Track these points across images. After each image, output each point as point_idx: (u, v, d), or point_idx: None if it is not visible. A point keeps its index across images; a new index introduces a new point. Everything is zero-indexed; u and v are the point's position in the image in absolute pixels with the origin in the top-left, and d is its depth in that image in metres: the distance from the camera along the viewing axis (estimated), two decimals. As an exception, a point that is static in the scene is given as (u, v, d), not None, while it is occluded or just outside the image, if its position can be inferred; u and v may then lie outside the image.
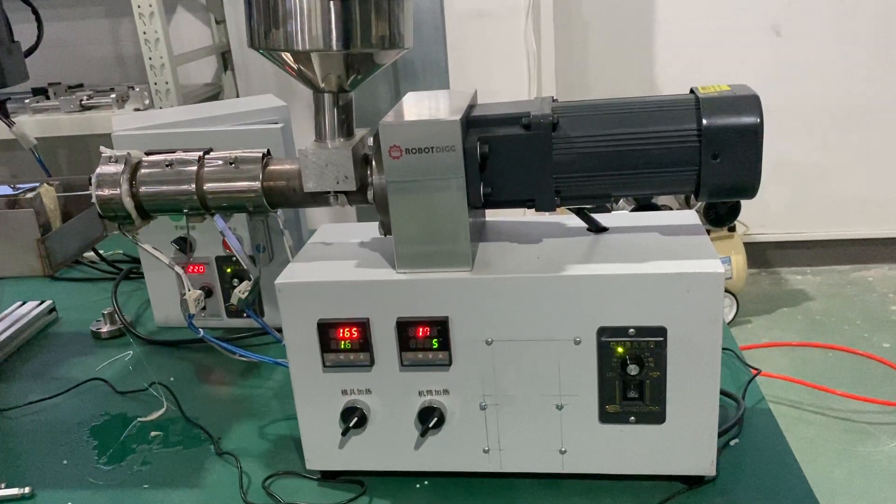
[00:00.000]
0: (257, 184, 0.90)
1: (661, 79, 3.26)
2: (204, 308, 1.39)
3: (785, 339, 2.92)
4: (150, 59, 2.62)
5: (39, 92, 2.86)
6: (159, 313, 1.41)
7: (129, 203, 0.92)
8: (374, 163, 0.86)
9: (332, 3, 0.80)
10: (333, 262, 0.91)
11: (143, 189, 0.92)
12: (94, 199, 0.92)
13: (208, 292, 1.37)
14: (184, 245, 1.32)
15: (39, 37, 1.27)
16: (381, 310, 0.86)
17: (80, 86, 3.11)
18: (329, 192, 0.88)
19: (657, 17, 3.20)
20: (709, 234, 3.03)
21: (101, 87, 3.04)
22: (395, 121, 0.81)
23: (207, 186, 0.91)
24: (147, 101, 2.74)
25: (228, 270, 1.34)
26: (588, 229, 0.93)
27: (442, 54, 3.00)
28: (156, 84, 2.66)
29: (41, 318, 1.44)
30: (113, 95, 2.76)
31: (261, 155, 0.92)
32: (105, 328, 1.39)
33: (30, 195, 0.94)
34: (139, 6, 2.56)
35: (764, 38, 3.18)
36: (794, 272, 3.51)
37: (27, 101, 2.78)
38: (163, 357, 1.30)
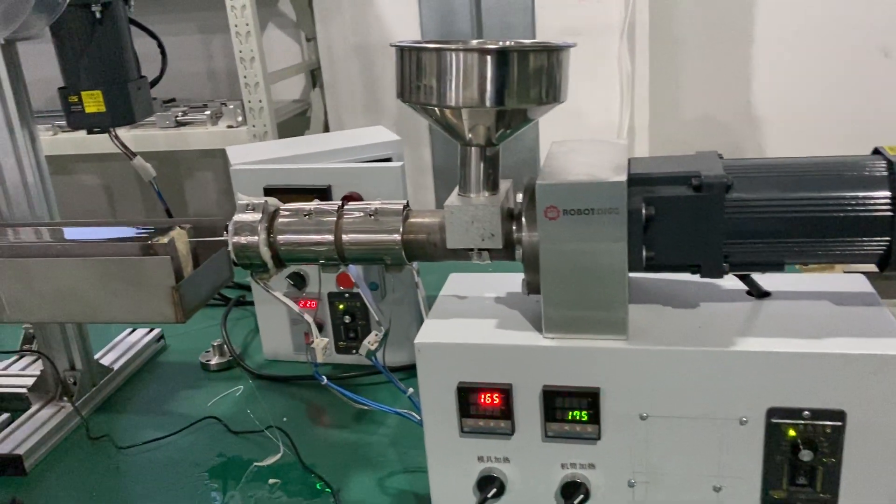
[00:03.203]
0: (397, 237, 0.87)
1: (758, 99, 3.13)
2: (311, 343, 1.37)
3: None
4: (245, 77, 2.65)
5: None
6: (269, 346, 1.39)
7: (265, 252, 0.89)
8: (523, 219, 0.82)
9: (488, 57, 0.76)
10: (472, 320, 0.87)
11: (280, 238, 0.90)
12: (230, 247, 0.91)
13: (319, 327, 1.34)
14: (298, 280, 1.30)
15: (163, 69, 1.28)
16: (525, 376, 0.81)
17: (173, 100, 3.17)
18: (472, 248, 0.84)
19: (756, 36, 3.07)
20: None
21: (195, 102, 3.09)
22: (552, 180, 0.76)
23: (346, 238, 0.88)
24: (240, 119, 2.77)
25: (341, 307, 1.31)
26: (748, 293, 0.86)
27: (531, 73, 2.95)
28: (249, 102, 2.69)
29: (150, 346, 1.45)
30: (207, 112, 2.80)
31: (401, 207, 0.88)
32: (214, 360, 1.39)
33: (164, 240, 0.92)
34: (236, 25, 2.59)
35: (871, 60, 3.01)
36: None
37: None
38: (273, 393, 1.29)
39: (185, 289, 0.91)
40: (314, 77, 3.26)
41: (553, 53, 0.78)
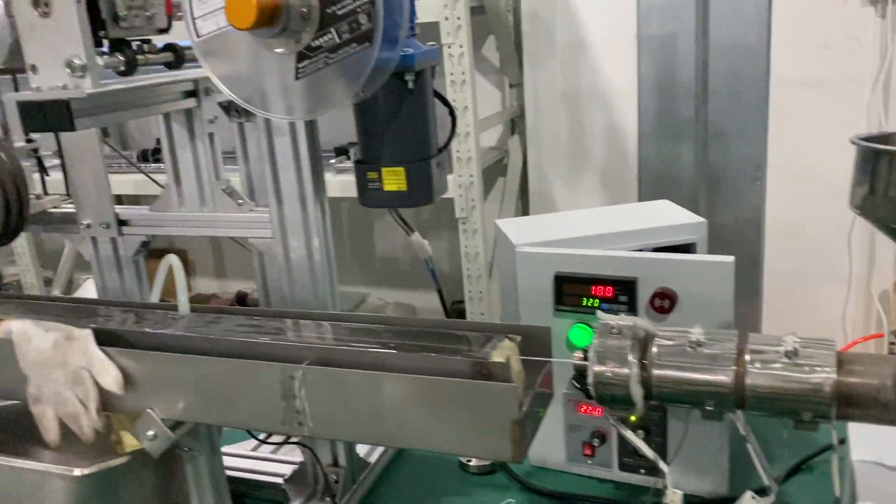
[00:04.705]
0: (828, 388, 0.66)
1: None
2: (592, 456, 1.19)
3: None
4: (457, 127, 2.55)
5: (341, 152, 2.91)
6: (537, 451, 1.22)
7: (637, 390, 0.72)
8: None
9: None
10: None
11: (656, 373, 0.72)
12: (590, 378, 0.74)
13: (601, 438, 1.16)
14: (583, 382, 1.12)
15: (451, 137, 1.15)
16: None
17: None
18: (949, 418, 0.62)
19: None
20: None
21: (395, 148, 3.04)
22: None
23: (752, 382, 0.69)
24: (446, 167, 2.67)
25: (633, 418, 1.12)
26: None
27: (761, 124, 2.67)
28: (458, 152, 2.59)
29: (400, 433, 1.31)
30: (413, 160, 2.73)
31: (832, 346, 0.68)
32: (475, 461, 1.23)
33: (499, 358, 0.77)
34: (451, 73, 2.50)
35: None
36: None
37: (332, 161, 2.83)
38: (550, 514, 1.11)
39: (527, 421, 0.75)
40: (513, 124, 3.13)
41: None
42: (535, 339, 0.85)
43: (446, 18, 2.41)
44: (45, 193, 1.18)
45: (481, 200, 2.61)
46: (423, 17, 0.98)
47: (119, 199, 1.09)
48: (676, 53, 2.69)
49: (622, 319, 0.74)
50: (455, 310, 2.76)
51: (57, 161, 1.17)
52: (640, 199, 2.87)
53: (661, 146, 2.77)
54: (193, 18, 0.87)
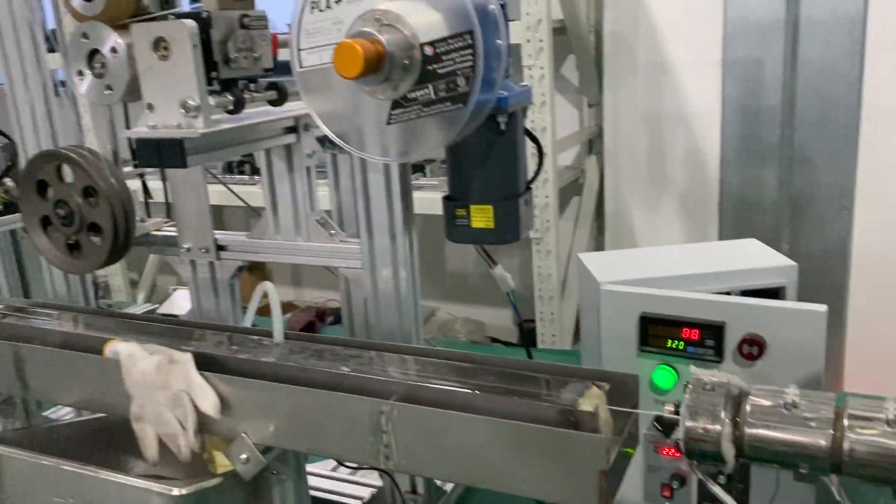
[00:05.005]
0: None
1: None
2: (670, 498, 1.18)
3: None
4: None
5: (417, 169, 2.95)
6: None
7: (728, 449, 0.71)
8: None
9: None
10: None
11: (749, 431, 0.71)
12: (681, 434, 0.74)
13: (681, 480, 1.15)
14: (667, 429, 1.11)
15: (537, 172, 1.16)
16: None
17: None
18: None
19: None
20: None
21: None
22: None
23: (850, 447, 0.67)
24: (522, 188, 2.68)
25: (714, 464, 1.10)
26: None
27: (850, 151, 2.58)
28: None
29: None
30: (489, 180, 2.74)
31: (939, 417, 0.66)
32: (550, 495, 1.23)
33: (587, 407, 0.77)
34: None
35: None
36: None
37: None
38: (628, 557, 1.10)
39: (614, 473, 0.75)
40: (590, 144, 3.12)
41: None
42: (622, 386, 0.85)
43: (528, 41, 2.42)
44: (149, 216, 1.25)
45: (556, 221, 2.61)
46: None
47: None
48: (763, 78, 2.62)
49: (715, 375, 0.74)
50: (525, 329, 2.75)
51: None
52: (721, 225, 2.81)
53: (745, 171, 2.70)
54: (299, 49, 0.90)
